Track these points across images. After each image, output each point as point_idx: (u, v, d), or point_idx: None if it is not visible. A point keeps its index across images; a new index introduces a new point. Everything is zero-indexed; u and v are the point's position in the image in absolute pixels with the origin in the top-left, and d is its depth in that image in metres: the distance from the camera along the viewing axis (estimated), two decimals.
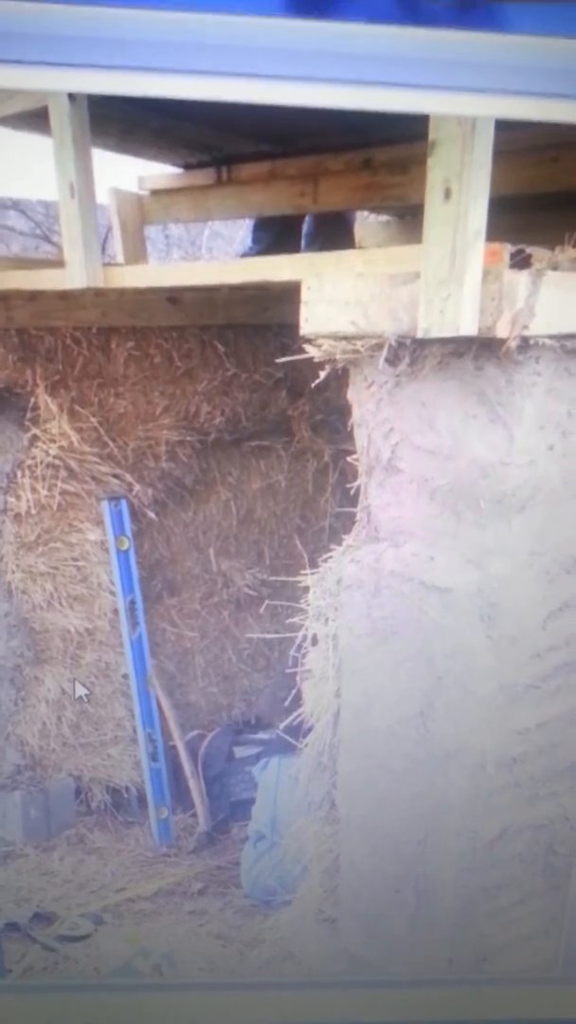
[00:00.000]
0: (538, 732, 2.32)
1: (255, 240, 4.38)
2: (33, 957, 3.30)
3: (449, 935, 2.41)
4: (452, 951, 2.42)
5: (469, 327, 1.98)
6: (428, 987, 2.07)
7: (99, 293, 3.43)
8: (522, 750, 2.31)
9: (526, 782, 2.34)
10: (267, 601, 4.40)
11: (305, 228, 4.28)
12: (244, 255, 4.46)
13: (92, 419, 3.89)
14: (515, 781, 2.33)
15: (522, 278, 1.97)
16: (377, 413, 2.33)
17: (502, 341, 1.99)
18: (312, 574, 2.52)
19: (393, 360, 2.20)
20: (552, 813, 2.40)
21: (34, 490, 3.82)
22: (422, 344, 2.14)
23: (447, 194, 1.95)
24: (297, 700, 2.62)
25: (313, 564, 2.54)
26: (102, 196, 3.52)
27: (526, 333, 1.99)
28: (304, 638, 2.54)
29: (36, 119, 3.10)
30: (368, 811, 2.53)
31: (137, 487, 4.05)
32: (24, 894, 3.69)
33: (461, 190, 1.93)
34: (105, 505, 3.96)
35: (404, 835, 2.44)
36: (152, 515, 4.17)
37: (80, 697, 4.06)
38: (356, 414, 2.42)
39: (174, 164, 4.03)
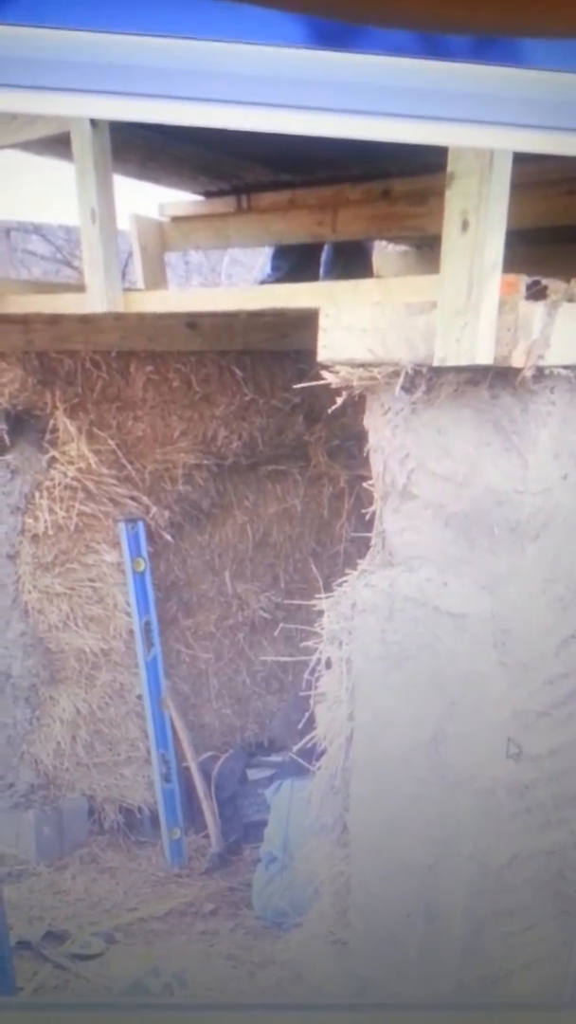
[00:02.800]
0: (549, 759, 2.32)
1: (274, 268, 4.41)
2: (45, 975, 3.30)
3: (459, 959, 2.41)
4: (462, 975, 2.42)
5: (485, 356, 2.01)
6: (437, 1011, 2.07)
7: (119, 317, 3.47)
8: (533, 777, 2.31)
9: (537, 808, 2.34)
10: (282, 624, 4.41)
11: (324, 256, 4.32)
12: (263, 282, 4.50)
13: (110, 442, 3.93)
14: (526, 807, 2.33)
15: (538, 309, 2.00)
16: (393, 439, 2.36)
17: (517, 371, 2.02)
18: (327, 598, 2.53)
19: (409, 387, 2.22)
20: (563, 839, 2.40)
21: (52, 511, 3.85)
22: (438, 372, 2.17)
23: (464, 225, 1.98)
24: (310, 723, 2.63)
25: (328, 588, 2.55)
26: (123, 222, 3.56)
27: (541, 363, 2.01)
28: (318, 661, 2.55)
29: (58, 145, 3.14)
30: (380, 835, 2.53)
31: (154, 509, 4.07)
32: (37, 912, 3.69)
33: (478, 222, 1.96)
34: (122, 527, 3.99)
35: (415, 859, 2.44)
36: (168, 537, 4.19)
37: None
38: (372, 440, 2.44)
39: (194, 192, 4.07)
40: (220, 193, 3.97)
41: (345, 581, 2.51)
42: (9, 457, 3.87)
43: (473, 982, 2.42)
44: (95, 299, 3.02)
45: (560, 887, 2.44)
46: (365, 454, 2.50)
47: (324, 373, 2.34)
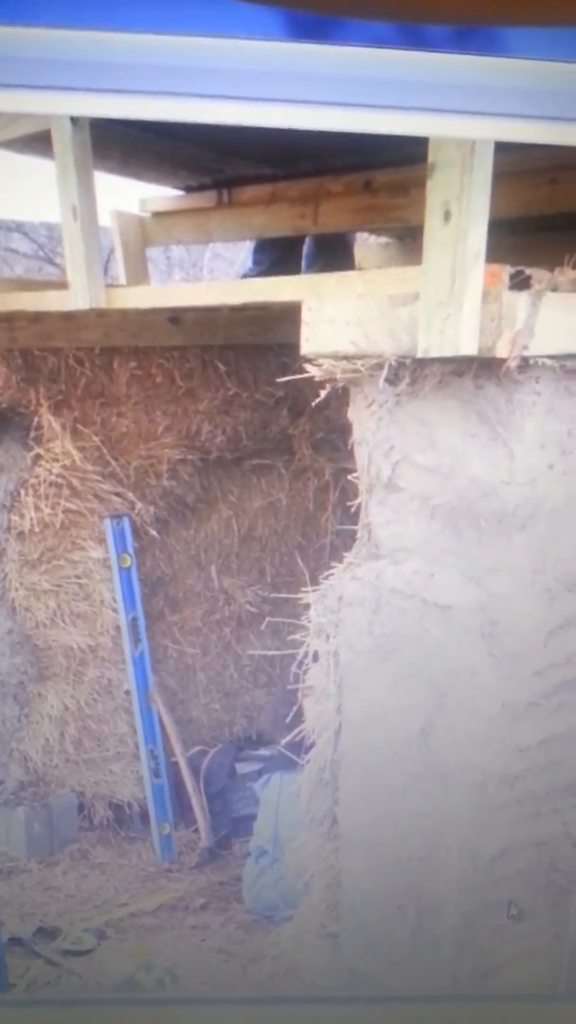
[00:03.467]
0: (539, 750, 2.32)
1: (256, 261, 4.41)
2: (36, 971, 3.31)
3: (451, 951, 2.42)
4: (454, 967, 2.43)
5: (469, 347, 2.01)
6: (429, 1003, 2.08)
7: (101, 314, 3.46)
8: (523, 767, 2.32)
9: (528, 800, 2.35)
10: (268, 618, 4.41)
11: (306, 249, 4.31)
12: (245, 276, 4.49)
13: (94, 438, 3.92)
14: (516, 799, 2.34)
15: (522, 299, 1.99)
16: (377, 432, 2.36)
17: (502, 361, 2.02)
18: (313, 591, 2.53)
19: (393, 379, 2.22)
20: (554, 830, 2.40)
21: (37, 508, 3.85)
22: (422, 364, 2.16)
23: (447, 216, 1.98)
24: (299, 717, 2.63)
25: (314, 581, 2.56)
26: (104, 218, 3.56)
27: (526, 353, 2.01)
28: (305, 655, 2.56)
29: (39, 143, 3.13)
30: (370, 827, 2.54)
31: (139, 505, 4.07)
32: (28, 909, 3.69)
33: (461, 212, 1.96)
34: (107, 523, 3.98)
35: (406, 851, 2.45)
36: (154, 533, 4.19)
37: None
38: (357, 433, 2.44)
39: (176, 187, 4.07)
40: (201, 187, 3.97)
41: (331, 574, 2.51)
42: None
43: (465, 974, 2.43)
44: (78, 296, 3.02)
45: (552, 878, 2.44)
46: (350, 447, 2.49)
47: (307, 366, 2.34)
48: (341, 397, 2.41)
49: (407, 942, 2.49)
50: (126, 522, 4.03)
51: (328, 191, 3.50)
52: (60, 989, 3.24)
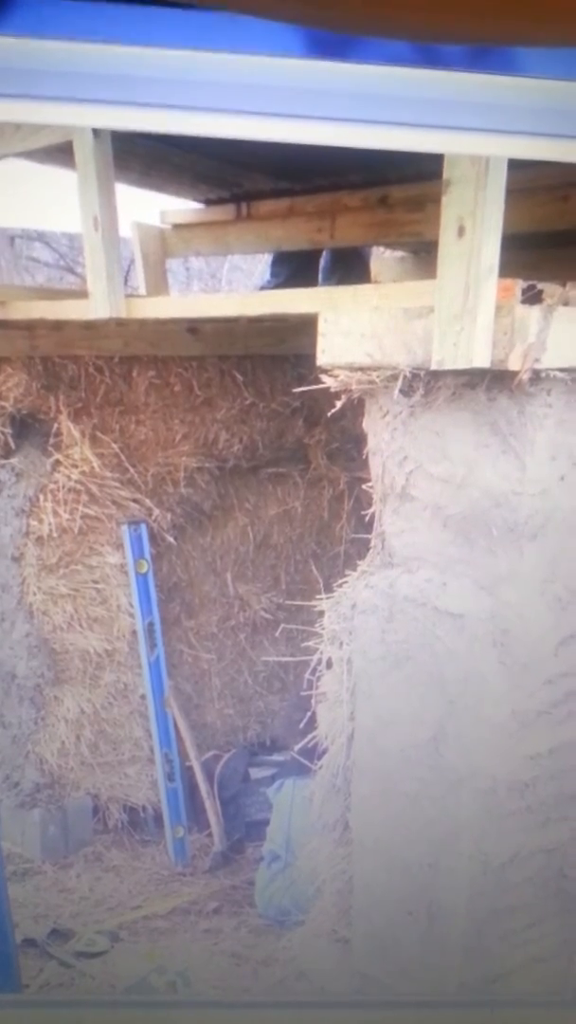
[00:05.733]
0: (549, 757, 2.34)
1: (273, 274, 4.44)
2: (50, 973, 3.33)
3: (460, 957, 2.43)
4: (463, 972, 2.44)
5: (482, 360, 2.04)
6: (439, 1008, 2.08)
7: (121, 323, 3.50)
8: (533, 775, 2.33)
9: (537, 807, 2.36)
10: (283, 625, 4.44)
11: (322, 263, 4.34)
12: (263, 288, 4.53)
13: (113, 445, 3.96)
14: (526, 805, 2.35)
15: (534, 313, 2.02)
16: (392, 442, 2.38)
17: (514, 374, 2.04)
18: (327, 599, 2.56)
19: (407, 391, 2.25)
20: (563, 837, 2.42)
21: (56, 514, 3.89)
22: (436, 376, 2.19)
23: (461, 231, 2.01)
24: (312, 723, 2.65)
25: (328, 589, 2.58)
26: (125, 229, 3.59)
27: (537, 366, 2.04)
28: (319, 661, 2.58)
29: (61, 154, 3.17)
30: (381, 833, 2.55)
31: (156, 512, 4.11)
32: (42, 911, 3.72)
33: (475, 227, 1.99)
34: (125, 529, 4.02)
35: (416, 857, 2.46)
36: (171, 539, 4.22)
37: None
38: (371, 443, 2.47)
39: (195, 199, 4.11)
40: (220, 201, 4.00)
41: (345, 582, 2.54)
42: (14, 461, 3.91)
43: (474, 980, 2.44)
44: (98, 305, 3.05)
45: (561, 885, 2.46)
46: (364, 456, 2.52)
47: (323, 377, 2.37)
48: (356, 408, 2.44)
49: (417, 947, 2.50)
50: (143, 528, 4.07)
51: (345, 206, 3.53)
52: (73, 991, 3.26)
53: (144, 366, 4.04)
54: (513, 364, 2.03)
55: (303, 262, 4.26)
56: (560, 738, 2.35)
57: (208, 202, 4.07)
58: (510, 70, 1.26)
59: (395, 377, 2.22)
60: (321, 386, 2.38)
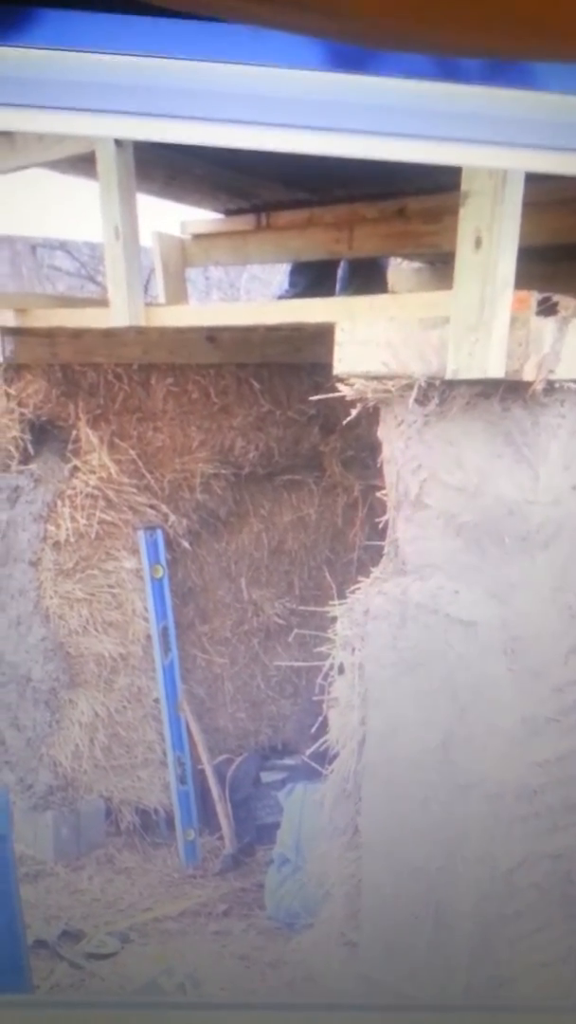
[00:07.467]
0: (557, 764, 2.36)
1: (292, 283, 4.46)
2: (60, 974, 3.35)
3: (467, 961, 2.45)
4: (469, 977, 2.45)
5: (497, 370, 2.07)
6: (445, 1012, 2.09)
7: (141, 331, 3.54)
8: (542, 781, 2.35)
9: (545, 812, 2.38)
10: (296, 630, 4.46)
11: (340, 273, 4.36)
12: (281, 297, 4.56)
13: (131, 452, 4.00)
14: (534, 812, 2.37)
15: (548, 325, 2.05)
16: (406, 450, 2.41)
17: (528, 384, 2.07)
18: (340, 605, 2.58)
19: (422, 400, 2.28)
20: (570, 843, 2.43)
21: (73, 519, 3.92)
22: (451, 385, 2.22)
23: (478, 243, 2.04)
24: (323, 727, 2.67)
25: (341, 595, 2.60)
26: (146, 239, 3.62)
27: (552, 377, 2.07)
28: (331, 667, 2.60)
29: (84, 164, 3.20)
30: (390, 838, 2.57)
31: (172, 517, 4.14)
32: (53, 912, 3.73)
33: (491, 239, 2.02)
34: (141, 534, 4.06)
35: (425, 862, 2.47)
36: (186, 545, 4.26)
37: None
38: (386, 451, 2.49)
39: (216, 210, 4.14)
40: (240, 211, 4.03)
41: (358, 588, 2.56)
42: (33, 466, 3.95)
43: (481, 984, 2.45)
44: (118, 313, 3.08)
45: (567, 890, 2.47)
46: (379, 465, 2.55)
47: (339, 385, 2.40)
48: (371, 416, 2.47)
49: (424, 951, 2.52)
50: (159, 534, 4.10)
51: (363, 217, 3.55)
52: (83, 992, 3.27)
53: (162, 373, 4.08)
54: (527, 375, 2.06)
55: (321, 272, 4.29)
56: (568, 745, 2.36)
57: (228, 212, 4.10)
58: (528, 84, 1.28)
59: (410, 386, 2.25)
60: (337, 394, 2.41)
